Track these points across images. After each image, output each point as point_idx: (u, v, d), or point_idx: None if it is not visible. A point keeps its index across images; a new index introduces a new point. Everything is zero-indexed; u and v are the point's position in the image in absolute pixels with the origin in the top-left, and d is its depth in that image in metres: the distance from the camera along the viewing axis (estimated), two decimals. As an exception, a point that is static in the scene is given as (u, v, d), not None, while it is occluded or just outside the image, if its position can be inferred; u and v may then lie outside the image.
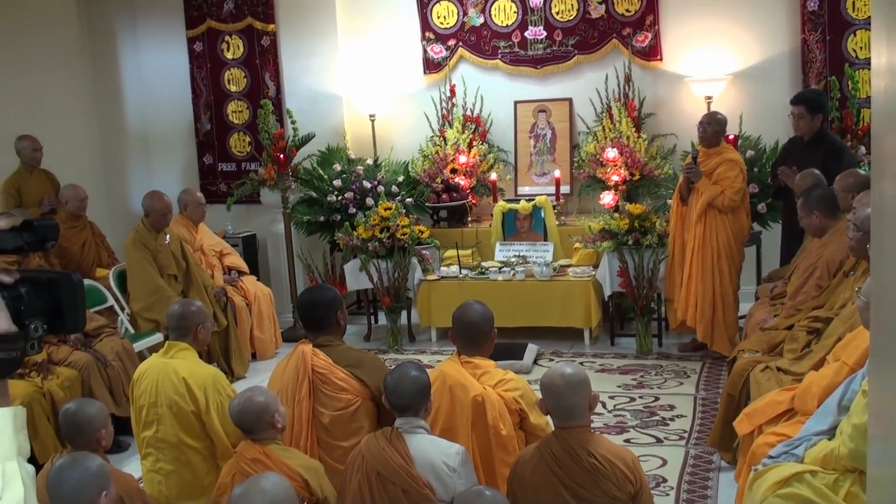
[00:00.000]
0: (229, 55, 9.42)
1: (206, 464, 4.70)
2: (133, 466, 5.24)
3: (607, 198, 8.33)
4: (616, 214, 7.55)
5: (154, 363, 4.81)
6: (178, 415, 4.63)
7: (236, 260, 8.08)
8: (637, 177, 8.35)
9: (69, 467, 3.29)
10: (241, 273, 7.99)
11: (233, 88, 9.48)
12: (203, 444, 4.68)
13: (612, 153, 8.37)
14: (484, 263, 8.06)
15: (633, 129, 8.44)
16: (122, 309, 7.08)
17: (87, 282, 6.65)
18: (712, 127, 6.85)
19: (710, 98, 8.32)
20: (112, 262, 7.61)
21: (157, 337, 6.77)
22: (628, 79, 8.63)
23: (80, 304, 1.76)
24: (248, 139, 9.48)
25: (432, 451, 3.60)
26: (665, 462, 5.28)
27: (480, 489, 3.03)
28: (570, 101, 8.94)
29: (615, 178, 8.34)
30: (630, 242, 7.22)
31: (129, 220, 8.69)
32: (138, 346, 6.50)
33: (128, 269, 7.10)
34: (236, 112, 9.50)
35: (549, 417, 3.78)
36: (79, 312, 1.75)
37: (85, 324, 1.79)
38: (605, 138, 8.52)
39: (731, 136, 7.45)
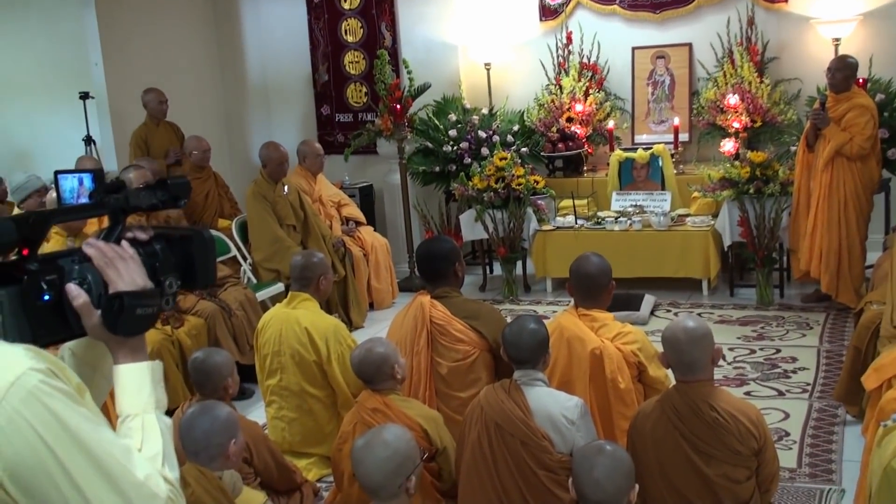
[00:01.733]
0: (346, 5, 9.45)
1: (327, 412, 4.82)
2: (257, 413, 5.40)
3: (727, 145, 8.12)
4: (736, 162, 7.36)
5: (277, 313, 4.93)
6: (301, 364, 4.75)
7: (354, 210, 8.19)
8: (759, 123, 8.12)
9: (200, 416, 3.41)
10: (358, 223, 8.10)
11: (349, 39, 9.52)
12: (324, 392, 4.80)
13: (733, 99, 8.15)
14: (600, 213, 7.98)
15: (756, 75, 8.18)
16: (245, 259, 7.26)
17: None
18: (842, 72, 6.58)
19: (837, 40, 7.99)
20: (235, 213, 7.79)
21: (279, 287, 6.93)
22: (751, 21, 8.35)
23: (211, 260, 1.79)
24: (364, 90, 9.54)
25: (551, 403, 3.60)
26: (787, 415, 5.18)
27: (601, 444, 3.03)
28: (689, 46, 8.71)
29: (736, 125, 8.12)
30: (751, 191, 7.03)
31: (250, 171, 8.86)
32: (260, 295, 6.67)
33: (248, 220, 7.27)
34: (353, 62, 9.56)
35: (669, 371, 3.75)
36: (210, 268, 1.78)
37: (216, 279, 1.83)
38: (726, 84, 8.29)
39: (861, 80, 7.15)
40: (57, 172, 1.72)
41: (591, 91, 8.81)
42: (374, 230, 8.32)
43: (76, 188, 1.67)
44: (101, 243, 1.61)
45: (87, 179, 1.72)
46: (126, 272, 1.59)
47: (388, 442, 3.00)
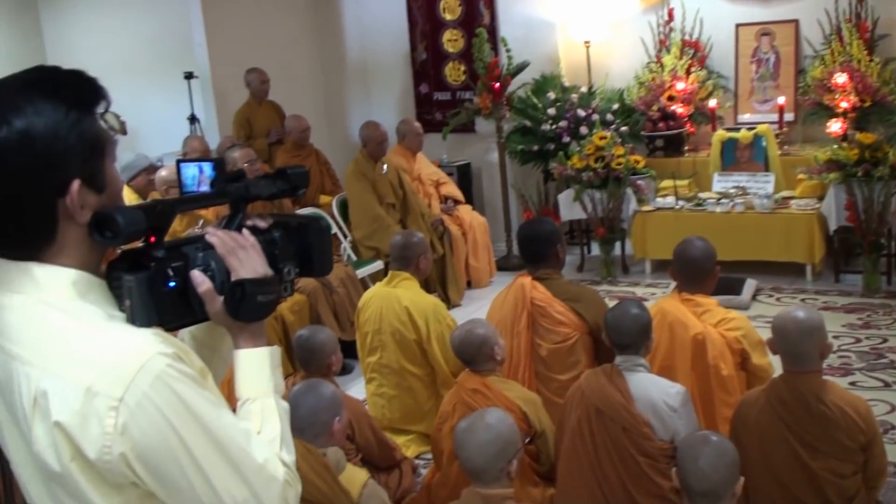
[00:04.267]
0: (445, -17, 9.46)
1: (426, 390, 4.87)
2: (356, 389, 5.48)
3: (835, 126, 7.88)
4: (844, 144, 7.15)
5: (378, 291, 4.99)
6: (401, 342, 4.80)
7: (452, 189, 8.21)
8: (868, 103, 7.85)
9: (305, 393, 3.47)
10: (456, 202, 8.12)
11: (448, 17, 9.52)
12: (424, 370, 4.85)
13: (841, 78, 7.90)
14: (701, 194, 7.85)
15: (865, 52, 7.92)
16: (345, 236, 7.35)
17: (311, 209, 6.94)
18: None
19: (953, 17, 7.70)
20: (335, 190, 7.89)
21: (378, 264, 7.00)
22: (861, -3, 8.10)
23: (328, 248, 1.82)
24: (462, 68, 9.53)
25: (652, 389, 3.58)
26: (893, 408, 5.05)
27: (707, 434, 3.00)
28: (795, 22, 8.47)
29: (844, 104, 7.88)
30: (859, 174, 6.82)
31: (349, 149, 8.95)
32: (360, 272, 6.74)
33: (349, 198, 7.35)
34: (451, 41, 9.56)
35: (774, 358, 3.68)
36: (327, 257, 1.81)
37: (332, 268, 1.86)
38: (834, 62, 8.04)
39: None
40: (179, 160, 1.76)
41: (692, 69, 8.64)
42: (473, 209, 8.34)
43: (197, 176, 1.71)
44: (223, 232, 1.65)
45: (208, 168, 1.75)
46: (247, 260, 1.62)
47: (491, 425, 3.02)
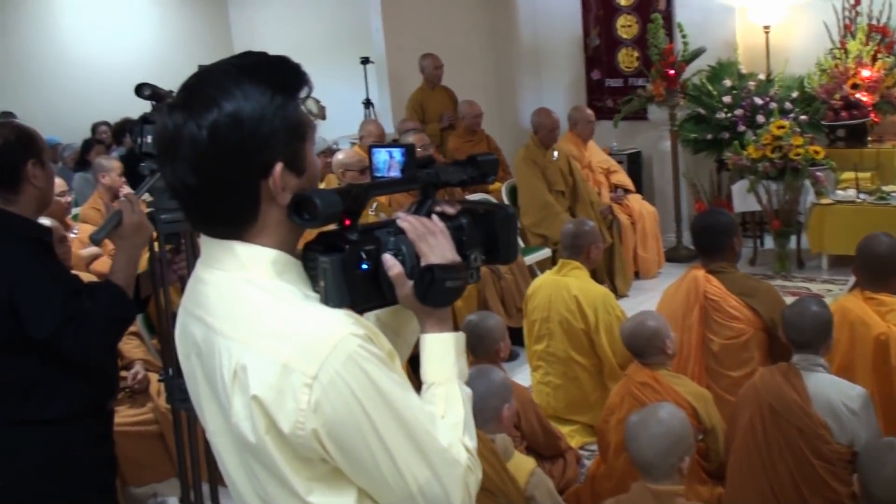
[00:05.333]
0: (620, -31, 9.33)
1: (592, 380, 4.84)
2: (522, 376, 5.49)
3: None
4: None
5: (547, 280, 4.99)
6: (569, 331, 4.79)
7: (623, 178, 8.11)
8: None
9: (476, 378, 3.49)
10: (626, 191, 8.02)
11: (622, 2, 9.37)
12: (591, 361, 4.82)
13: None
14: (885, 187, 7.49)
15: None
16: (514, 222, 7.35)
17: (481, 195, 6.99)
18: None
19: None
20: (505, 177, 7.91)
21: (546, 252, 6.99)
22: None
23: (513, 236, 1.83)
24: (636, 54, 9.38)
25: (831, 391, 3.45)
26: None
27: (893, 441, 2.87)
28: None
29: None
30: None
31: (519, 135, 8.96)
32: (528, 259, 6.75)
33: (518, 185, 7.36)
34: (625, 27, 9.42)
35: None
36: (512, 245, 1.81)
37: (517, 256, 1.87)
38: None
39: None
40: (371, 146, 1.80)
41: (879, 55, 8.24)
42: (642, 198, 8.21)
43: (387, 161, 1.75)
44: (414, 217, 1.68)
45: (398, 153, 1.79)
46: (437, 246, 1.65)
47: (664, 420, 2.98)
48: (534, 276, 5.68)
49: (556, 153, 7.27)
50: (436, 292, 1.63)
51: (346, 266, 1.58)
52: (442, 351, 1.70)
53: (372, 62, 8.95)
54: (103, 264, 5.46)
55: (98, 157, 7.34)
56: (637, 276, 7.76)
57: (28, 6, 10.74)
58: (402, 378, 1.58)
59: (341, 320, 1.52)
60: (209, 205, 1.56)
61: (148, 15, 11.44)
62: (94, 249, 5.68)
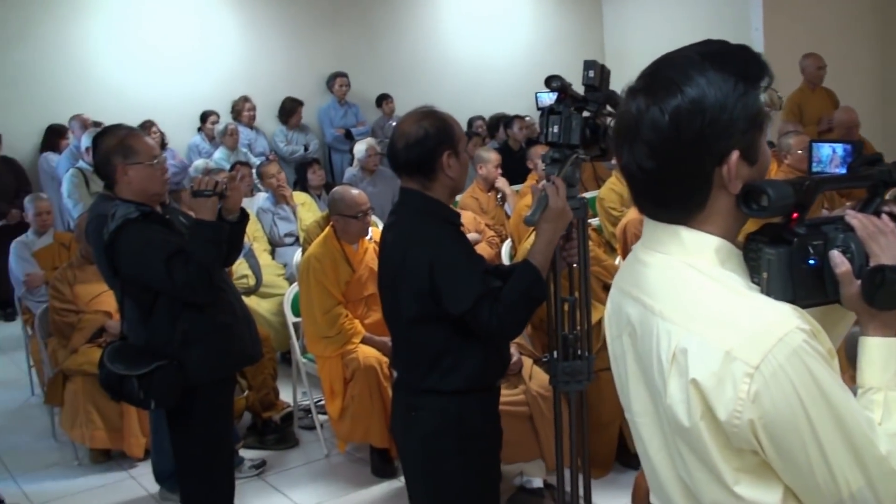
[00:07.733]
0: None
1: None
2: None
3: None
4: None
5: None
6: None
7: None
8: None
9: None
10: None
11: None
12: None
13: None
14: None
15: None
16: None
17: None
18: None
19: None
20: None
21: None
22: None
23: None
24: None
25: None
26: None
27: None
28: None
29: None
30: None
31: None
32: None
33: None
34: None
35: None
36: None
37: None
38: None
39: None
40: (812, 141, 1.76)
41: None
42: None
43: (830, 156, 1.70)
44: (864, 216, 1.62)
45: (840, 149, 1.74)
46: (889, 246, 1.58)
47: None
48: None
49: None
50: (885, 294, 1.55)
51: (793, 260, 1.55)
52: (885, 356, 1.62)
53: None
54: (481, 250, 5.71)
55: (477, 149, 7.66)
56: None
57: (416, 11, 11.47)
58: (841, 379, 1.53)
59: (789, 313, 1.49)
60: (662, 189, 1.58)
61: (525, 16, 11.80)
62: (473, 236, 5.94)
